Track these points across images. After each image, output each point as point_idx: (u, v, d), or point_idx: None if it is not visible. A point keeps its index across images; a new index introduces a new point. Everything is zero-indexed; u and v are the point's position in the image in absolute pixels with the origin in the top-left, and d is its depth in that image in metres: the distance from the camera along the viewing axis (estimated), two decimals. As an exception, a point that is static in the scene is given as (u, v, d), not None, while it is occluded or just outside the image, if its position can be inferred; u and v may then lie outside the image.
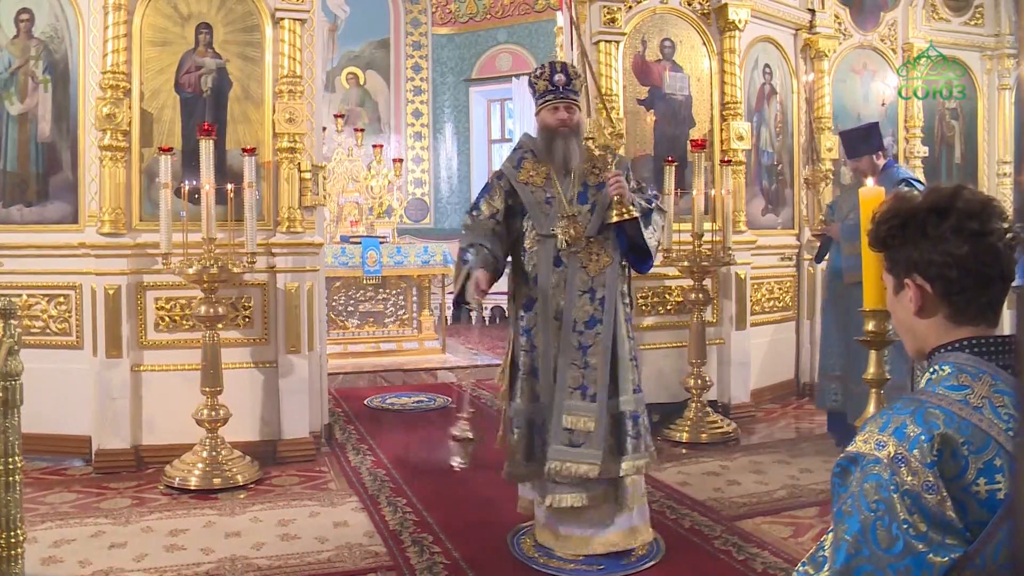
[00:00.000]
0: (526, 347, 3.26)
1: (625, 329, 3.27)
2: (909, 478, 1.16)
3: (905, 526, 1.15)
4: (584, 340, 3.18)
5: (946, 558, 1.14)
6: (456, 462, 3.14)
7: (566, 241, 3.22)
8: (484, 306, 11.03)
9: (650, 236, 3.29)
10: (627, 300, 3.34)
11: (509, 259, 3.39)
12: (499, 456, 3.35)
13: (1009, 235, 1.27)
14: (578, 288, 3.21)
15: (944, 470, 1.16)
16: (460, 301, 3.27)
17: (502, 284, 3.44)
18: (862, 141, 4.63)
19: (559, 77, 3.29)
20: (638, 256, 3.36)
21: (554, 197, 3.27)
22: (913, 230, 1.31)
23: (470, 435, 3.14)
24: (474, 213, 3.36)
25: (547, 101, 3.29)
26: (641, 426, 3.24)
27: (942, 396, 1.24)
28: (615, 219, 3.21)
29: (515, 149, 3.47)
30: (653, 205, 3.33)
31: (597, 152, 3.35)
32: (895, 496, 1.16)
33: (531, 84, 3.39)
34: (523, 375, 3.25)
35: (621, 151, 5.19)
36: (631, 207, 3.19)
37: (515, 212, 3.33)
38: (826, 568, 1.23)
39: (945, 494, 1.15)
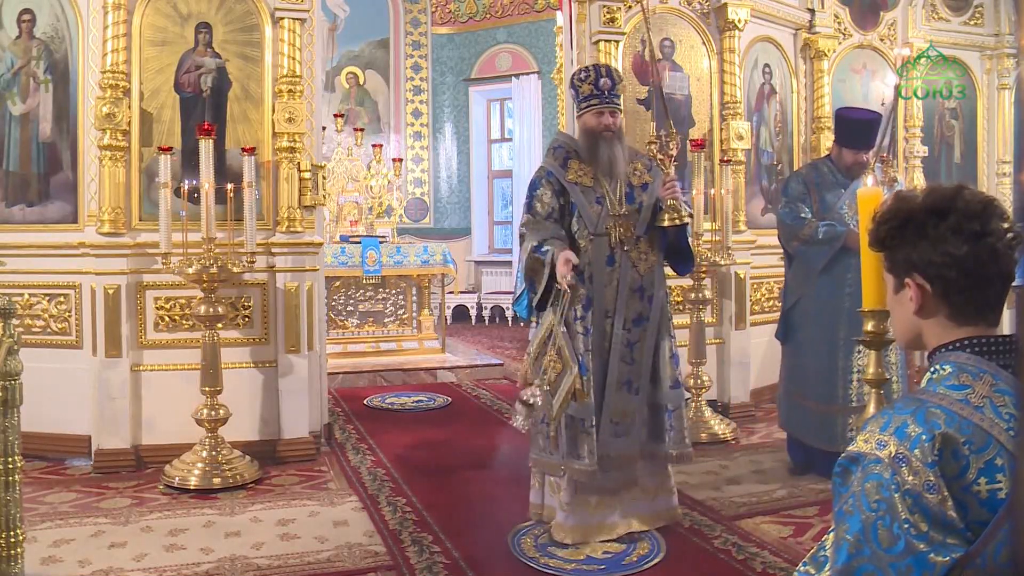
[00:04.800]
0: (588, 346, 3.22)
1: (668, 327, 3.40)
2: (910, 478, 1.16)
3: (906, 526, 1.15)
4: (631, 337, 3.27)
5: (947, 558, 1.14)
6: (518, 422, 3.05)
7: (619, 239, 3.25)
8: (485, 305, 11.07)
9: (690, 240, 3.45)
10: (667, 300, 3.46)
11: None
12: (499, 456, 3.34)
13: (1010, 235, 1.27)
14: (630, 286, 3.27)
15: (945, 470, 1.16)
16: (539, 304, 3.20)
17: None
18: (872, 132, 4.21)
19: (604, 81, 3.28)
20: (678, 258, 3.47)
21: (603, 197, 3.28)
22: (912, 230, 1.31)
23: (534, 401, 3.04)
24: (531, 214, 3.30)
25: (591, 105, 3.28)
26: (675, 419, 3.35)
27: (943, 395, 1.24)
28: (667, 223, 3.29)
29: (555, 148, 3.42)
30: (691, 211, 3.42)
31: (660, 157, 3.41)
32: (896, 496, 1.16)
33: (574, 86, 3.35)
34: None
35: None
36: (683, 212, 3.26)
37: (564, 212, 3.31)
38: (827, 568, 1.23)
39: (946, 494, 1.16)
